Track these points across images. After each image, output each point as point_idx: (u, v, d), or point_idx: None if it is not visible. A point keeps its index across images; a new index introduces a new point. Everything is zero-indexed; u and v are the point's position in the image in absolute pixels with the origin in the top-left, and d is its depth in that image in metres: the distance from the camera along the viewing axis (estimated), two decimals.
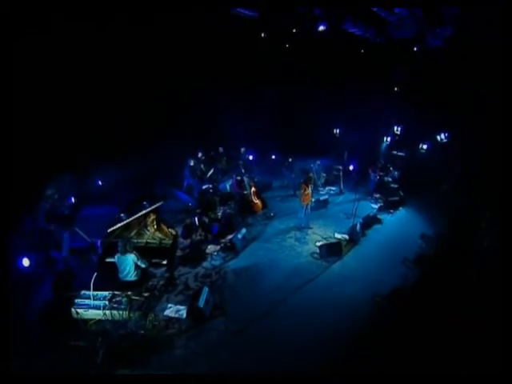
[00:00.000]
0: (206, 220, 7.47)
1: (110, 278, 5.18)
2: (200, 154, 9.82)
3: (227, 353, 4.74)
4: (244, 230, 7.56)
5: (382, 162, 10.59)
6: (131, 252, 5.07)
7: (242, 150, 10.77)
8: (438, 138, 10.87)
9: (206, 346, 4.84)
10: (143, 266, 5.18)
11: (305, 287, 6.25)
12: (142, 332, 4.80)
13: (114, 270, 5.23)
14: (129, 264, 5.04)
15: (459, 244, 7.12)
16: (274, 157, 12.34)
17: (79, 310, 4.59)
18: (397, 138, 12.16)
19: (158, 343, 4.76)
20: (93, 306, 4.61)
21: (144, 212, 6.12)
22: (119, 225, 5.75)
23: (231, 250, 7.16)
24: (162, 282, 5.96)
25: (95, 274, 4.50)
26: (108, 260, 5.41)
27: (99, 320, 4.64)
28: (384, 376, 4.07)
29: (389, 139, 11.91)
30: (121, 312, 4.60)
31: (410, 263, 6.93)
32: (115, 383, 3.69)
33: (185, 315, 5.27)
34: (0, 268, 4.24)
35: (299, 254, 7.33)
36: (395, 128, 12.00)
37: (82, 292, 4.80)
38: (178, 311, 5.34)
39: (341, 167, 11.21)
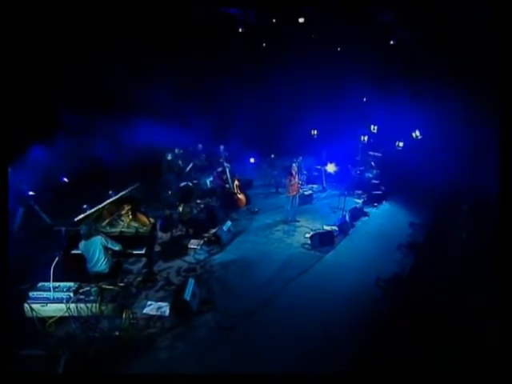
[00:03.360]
0: (190, 210, 6.75)
1: (76, 272, 4.29)
2: (177, 150, 9.13)
3: (220, 351, 4.04)
4: (229, 223, 6.94)
5: (360, 157, 10.47)
6: (98, 234, 4.28)
7: (222, 147, 10.21)
8: (414, 134, 11.08)
9: (196, 344, 4.11)
10: (115, 248, 4.38)
11: (299, 278, 5.73)
12: (117, 333, 3.94)
13: (81, 263, 4.36)
14: (97, 248, 4.21)
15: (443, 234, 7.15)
16: (253, 160, 11.86)
17: (34, 306, 3.59)
18: (371, 140, 12.24)
19: (137, 345, 3.93)
20: (53, 300, 3.63)
21: (111, 200, 5.22)
22: (84, 215, 4.84)
23: (216, 243, 6.48)
24: (139, 278, 5.12)
25: (56, 258, 3.59)
26: (74, 252, 4.53)
27: (61, 318, 3.70)
28: (388, 376, 3.63)
29: (366, 138, 11.91)
30: (89, 305, 3.67)
31: (405, 249, 6.68)
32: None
33: (168, 312, 4.48)
34: None
35: (289, 245, 6.83)
36: (372, 127, 12.09)
37: (40, 284, 3.81)
38: (159, 308, 4.55)
39: (320, 166, 11.06)
